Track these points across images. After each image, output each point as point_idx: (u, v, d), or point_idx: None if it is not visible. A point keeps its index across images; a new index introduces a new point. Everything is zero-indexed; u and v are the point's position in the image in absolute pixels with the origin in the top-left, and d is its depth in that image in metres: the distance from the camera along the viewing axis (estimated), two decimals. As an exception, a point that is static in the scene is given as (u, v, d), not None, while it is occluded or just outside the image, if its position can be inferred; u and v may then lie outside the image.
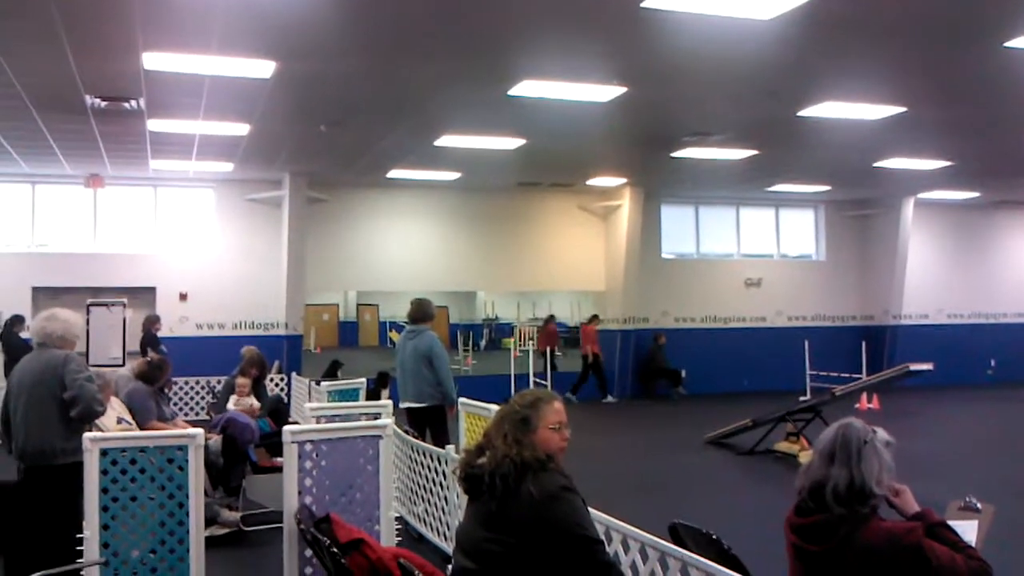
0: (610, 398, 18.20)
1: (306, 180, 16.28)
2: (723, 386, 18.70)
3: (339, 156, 14.34)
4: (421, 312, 8.93)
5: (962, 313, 21.48)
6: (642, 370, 18.91)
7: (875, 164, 15.21)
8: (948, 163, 15.22)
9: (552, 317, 21.00)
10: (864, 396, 15.89)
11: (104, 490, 4.99)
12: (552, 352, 19.78)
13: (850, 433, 3.21)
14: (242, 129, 11.91)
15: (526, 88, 9.84)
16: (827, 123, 11.71)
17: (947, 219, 21.24)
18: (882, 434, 3.26)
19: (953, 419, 15.99)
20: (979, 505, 3.98)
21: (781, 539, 3.32)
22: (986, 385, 20.45)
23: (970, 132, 12.87)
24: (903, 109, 11.03)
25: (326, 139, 12.73)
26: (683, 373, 18.88)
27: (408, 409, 8.74)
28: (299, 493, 5.13)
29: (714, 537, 3.92)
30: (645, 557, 4.17)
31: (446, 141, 12.82)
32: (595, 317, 18.73)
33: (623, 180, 17.62)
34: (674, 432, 14.24)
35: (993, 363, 21.47)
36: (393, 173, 15.72)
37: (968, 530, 3.56)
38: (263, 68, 8.93)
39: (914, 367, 11.97)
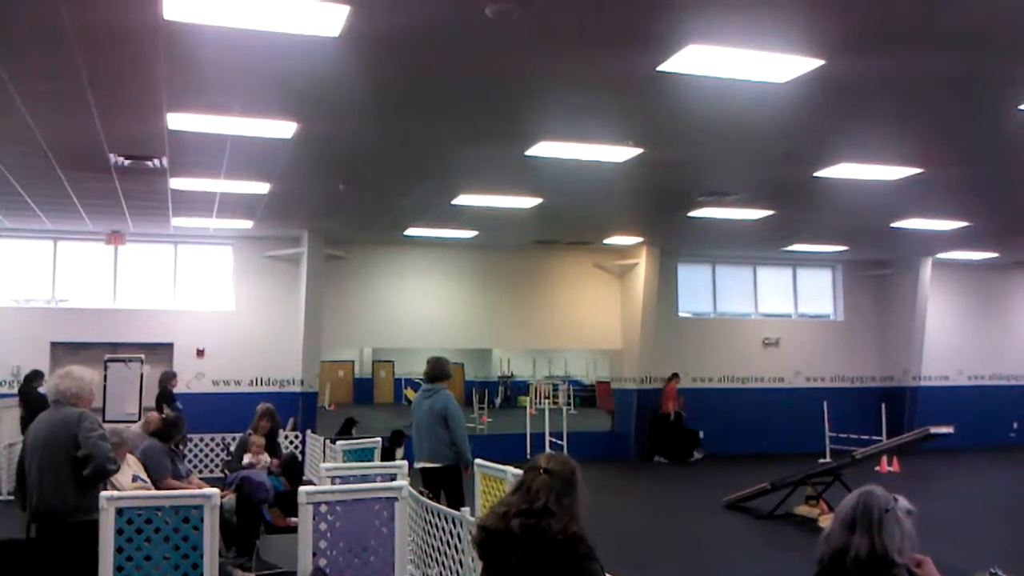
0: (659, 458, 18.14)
1: (324, 238, 16.42)
2: (741, 447, 18.48)
3: (357, 214, 14.48)
4: (437, 371, 8.90)
5: (983, 374, 21.23)
6: (660, 431, 18.70)
7: (892, 224, 15.20)
8: (966, 224, 15.18)
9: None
10: (884, 459, 15.67)
11: (119, 549, 4.97)
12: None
13: (871, 501, 3.16)
14: (262, 188, 12.06)
15: (543, 149, 9.94)
16: (843, 184, 11.74)
17: (966, 280, 21.12)
18: (903, 502, 3.21)
19: (975, 483, 15.72)
20: (1003, 577, 3.90)
21: (802, 608, 3.26)
22: (1009, 447, 20.12)
23: (987, 193, 12.87)
24: (919, 170, 11.05)
25: (345, 198, 12.86)
26: (700, 434, 18.68)
27: (423, 469, 8.67)
28: (314, 555, 5.09)
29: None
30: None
31: (464, 200, 12.93)
32: (675, 376, 18.61)
33: (639, 239, 17.68)
34: (692, 494, 14.07)
35: (1016, 425, 21.17)
36: (410, 231, 15.84)
37: (993, 603, 3.49)
38: (284, 129, 9.07)
39: (935, 430, 11.79)
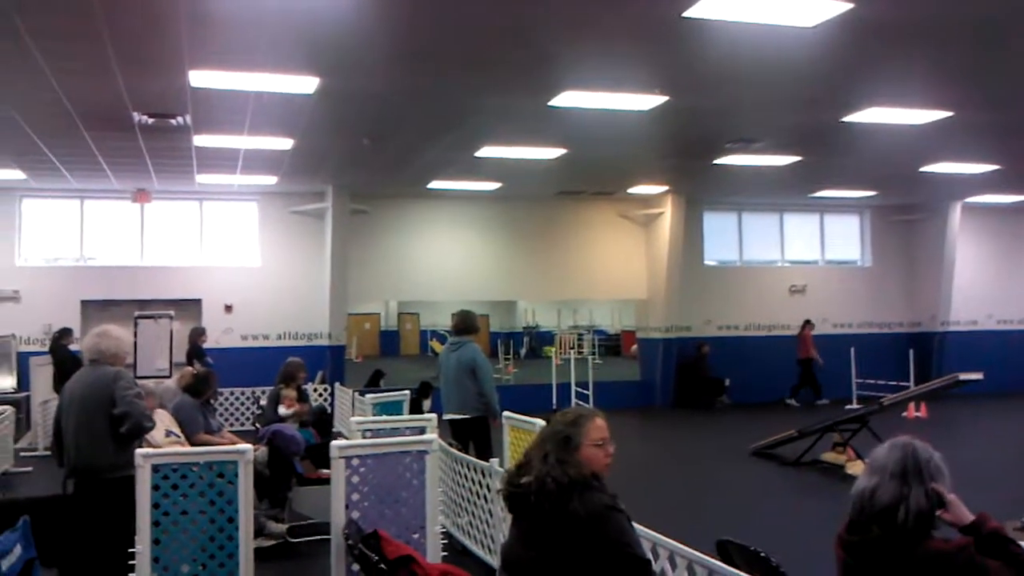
0: (825, 400, 18.11)
1: (349, 192, 16.44)
2: (767, 395, 18.49)
3: (381, 168, 14.45)
4: (465, 324, 8.95)
5: (1012, 319, 21.03)
6: (685, 379, 18.77)
7: (921, 169, 14.98)
8: (996, 167, 14.94)
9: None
10: (911, 405, 15.63)
11: (155, 505, 5.07)
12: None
13: (919, 454, 3.15)
14: (286, 143, 12.05)
15: (568, 99, 9.84)
16: (872, 128, 11.56)
17: (995, 223, 20.82)
18: (936, 453, 3.21)
19: (1004, 429, 15.66)
20: (1035, 526, 3.91)
21: (829, 554, 3.28)
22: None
23: (1018, 135, 12.63)
24: (949, 113, 10.85)
25: (369, 152, 12.83)
26: (727, 382, 18.71)
27: (451, 420, 8.77)
28: (346, 507, 5.17)
29: (762, 555, 3.88)
30: (692, 574, 4.14)
31: (487, 152, 12.87)
32: (808, 322, 18.90)
33: (664, 188, 17.55)
34: (718, 442, 14.13)
35: (1045, 370, 21.01)
36: (434, 184, 15.81)
37: (1024, 550, 3.49)
38: (307, 84, 9.03)
39: (963, 377, 11.71)
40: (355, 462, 5.22)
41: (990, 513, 3.18)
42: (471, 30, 7.69)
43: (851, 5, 7.00)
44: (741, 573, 3.76)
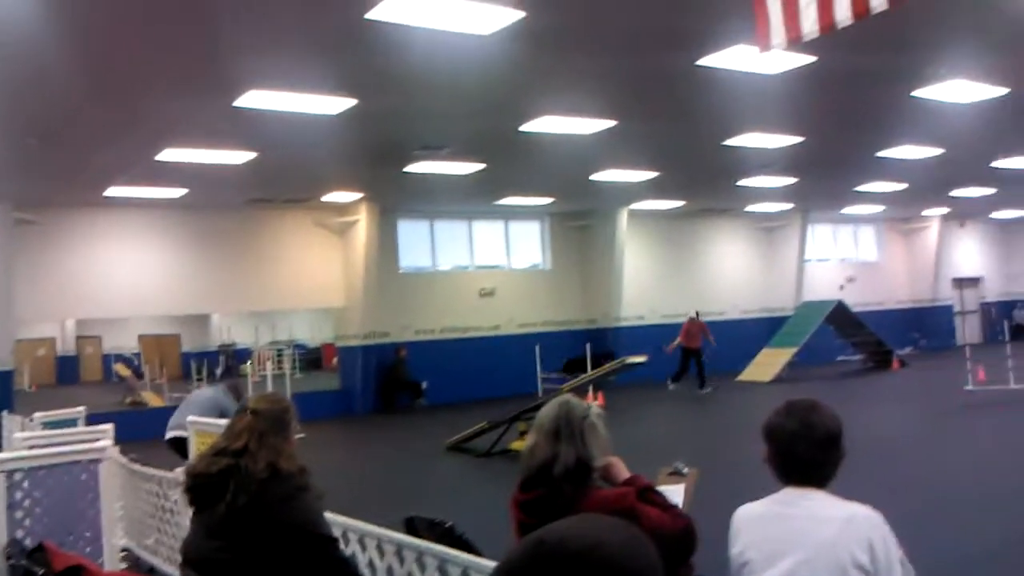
0: (709, 389, 18.83)
1: (13, 201, 14.95)
2: (463, 394, 19.11)
3: (52, 174, 13.25)
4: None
5: (674, 312, 23.21)
6: (384, 384, 18.97)
7: (591, 177, 16.19)
8: (655, 174, 16.46)
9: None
10: (590, 394, 16.80)
11: None
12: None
13: (571, 411, 3.38)
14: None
15: (253, 99, 9.60)
16: (546, 138, 12.33)
17: (658, 227, 23.09)
18: (596, 408, 3.48)
19: (666, 410, 17.42)
20: (685, 470, 4.42)
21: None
22: (693, 377, 22.11)
23: (672, 145, 14.02)
24: (613, 123, 11.82)
25: (36, 156, 11.74)
26: (424, 384, 19.14)
27: (172, 440, 8.49)
28: (9, 528, 4.74)
29: (447, 525, 4.06)
30: (382, 552, 4.22)
31: (169, 155, 12.22)
32: (698, 314, 20.03)
33: (359, 195, 17.64)
34: (416, 442, 14.41)
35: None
36: (112, 191, 14.77)
37: (675, 493, 3.94)
38: (-47, 74, 8.15)
39: (630, 360, 12.94)
40: (18, 476, 4.80)
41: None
42: (146, 21, 7.29)
43: (523, 14, 7.41)
44: (426, 542, 3.90)
